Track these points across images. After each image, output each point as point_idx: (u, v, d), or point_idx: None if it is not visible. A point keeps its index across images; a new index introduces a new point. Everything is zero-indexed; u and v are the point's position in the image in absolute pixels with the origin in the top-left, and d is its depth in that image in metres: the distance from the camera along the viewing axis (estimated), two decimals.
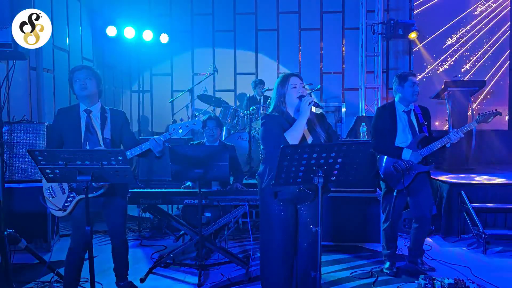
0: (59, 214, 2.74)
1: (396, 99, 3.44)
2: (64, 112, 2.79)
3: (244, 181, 4.84)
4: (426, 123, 3.38)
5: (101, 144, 2.73)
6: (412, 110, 3.40)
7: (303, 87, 2.53)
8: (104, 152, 2.25)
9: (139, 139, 3.79)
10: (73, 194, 2.69)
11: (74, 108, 2.78)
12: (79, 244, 2.72)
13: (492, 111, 3.32)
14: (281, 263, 2.53)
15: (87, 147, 2.69)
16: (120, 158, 2.23)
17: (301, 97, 2.44)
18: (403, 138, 3.36)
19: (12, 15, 2.82)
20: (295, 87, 2.49)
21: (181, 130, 2.67)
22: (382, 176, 3.44)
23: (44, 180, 2.76)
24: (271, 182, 2.42)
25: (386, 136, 3.38)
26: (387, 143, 3.37)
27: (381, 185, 3.53)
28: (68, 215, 2.73)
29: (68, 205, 2.69)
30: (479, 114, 3.33)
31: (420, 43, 7.70)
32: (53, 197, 2.71)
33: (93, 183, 2.58)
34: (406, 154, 3.28)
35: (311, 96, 2.53)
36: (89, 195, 2.62)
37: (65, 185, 2.71)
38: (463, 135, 3.20)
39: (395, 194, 3.37)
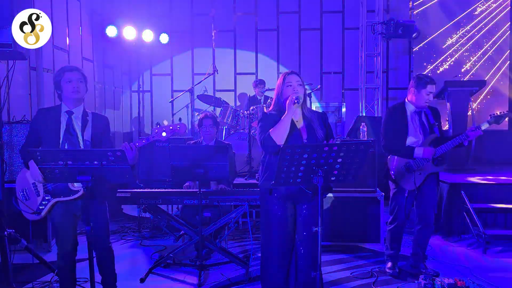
0: (33, 217, 2.66)
1: (408, 99, 3.38)
2: (44, 113, 2.73)
3: (244, 181, 4.85)
4: (437, 123, 3.34)
5: (81, 146, 2.66)
6: (422, 111, 3.35)
7: (300, 85, 2.53)
8: (104, 152, 2.23)
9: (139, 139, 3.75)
10: (48, 197, 2.63)
11: (55, 109, 2.72)
12: (65, 249, 2.68)
13: (503, 112, 3.28)
14: (278, 262, 2.54)
15: (66, 148, 2.62)
16: (120, 157, 2.21)
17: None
18: (414, 138, 3.32)
19: (12, 15, 2.82)
20: (290, 85, 2.52)
21: (164, 133, 2.62)
22: (393, 176, 3.40)
23: (18, 181, 2.73)
24: (269, 181, 2.44)
25: (397, 137, 3.33)
26: (398, 143, 3.33)
27: (390, 185, 3.48)
28: (42, 218, 2.67)
29: (42, 208, 2.63)
30: (490, 115, 3.29)
31: (420, 43, 7.71)
32: (27, 200, 2.66)
33: (69, 186, 2.58)
34: (419, 152, 3.22)
35: (305, 94, 2.54)
36: (66, 198, 2.62)
37: (40, 187, 2.65)
38: (482, 133, 3.19)
39: (406, 194, 3.34)
